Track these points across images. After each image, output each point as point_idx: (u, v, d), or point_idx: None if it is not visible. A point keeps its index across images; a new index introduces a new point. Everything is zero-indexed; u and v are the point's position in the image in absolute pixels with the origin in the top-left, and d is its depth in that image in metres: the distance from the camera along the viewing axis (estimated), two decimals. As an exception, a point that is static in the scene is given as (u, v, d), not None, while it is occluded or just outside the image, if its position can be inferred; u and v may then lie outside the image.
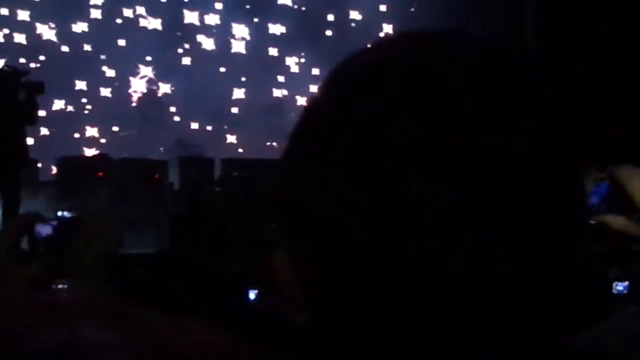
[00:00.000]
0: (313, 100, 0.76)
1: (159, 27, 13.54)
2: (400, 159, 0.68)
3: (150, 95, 13.28)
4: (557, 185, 0.71)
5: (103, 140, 12.94)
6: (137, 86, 13.36)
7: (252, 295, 3.90)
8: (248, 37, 13.97)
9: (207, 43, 13.83)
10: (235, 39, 13.92)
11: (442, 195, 0.67)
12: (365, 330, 0.71)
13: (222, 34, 13.85)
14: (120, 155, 11.02)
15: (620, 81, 9.04)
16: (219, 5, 13.79)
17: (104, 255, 1.51)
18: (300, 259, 0.74)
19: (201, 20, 13.78)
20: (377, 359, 0.71)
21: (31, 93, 8.37)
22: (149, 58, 13.35)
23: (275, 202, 0.76)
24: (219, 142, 13.18)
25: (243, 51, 13.95)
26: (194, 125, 13.44)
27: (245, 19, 13.87)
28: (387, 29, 14.10)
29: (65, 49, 12.99)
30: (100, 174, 9.83)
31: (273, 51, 14.01)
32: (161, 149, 12.37)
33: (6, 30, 12.68)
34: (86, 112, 13.04)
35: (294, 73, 14.08)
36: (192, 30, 13.76)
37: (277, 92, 14.02)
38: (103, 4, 13.22)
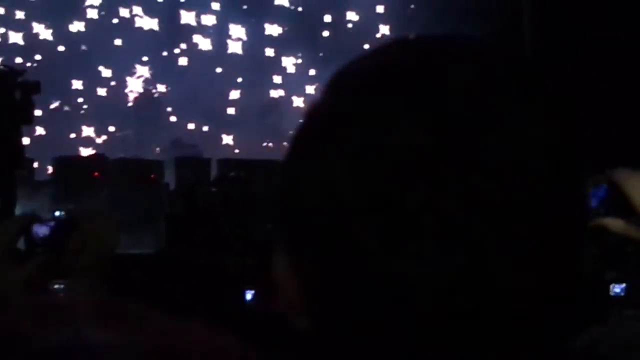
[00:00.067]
0: (314, 103, 0.77)
1: (156, 27, 13.53)
2: (402, 164, 0.68)
3: (146, 95, 13.28)
4: (559, 188, 0.71)
5: (99, 140, 12.94)
6: (134, 86, 13.36)
7: (248, 295, 3.90)
8: (245, 38, 13.96)
9: (204, 43, 13.83)
10: (231, 39, 13.92)
11: (443, 199, 0.67)
12: (366, 333, 0.71)
13: (219, 35, 13.85)
14: (116, 155, 11.03)
15: (619, 82, 9.05)
16: (215, 6, 13.79)
17: (100, 256, 1.51)
18: (300, 262, 0.74)
19: (198, 20, 13.78)
20: (377, 362, 0.71)
21: (27, 93, 8.35)
22: (145, 58, 13.35)
23: (276, 204, 0.76)
24: (215, 143, 13.18)
25: (240, 52, 13.94)
26: (190, 126, 13.44)
27: (242, 20, 13.86)
28: (384, 29, 14.10)
29: (61, 48, 12.99)
30: (96, 174, 9.83)
31: (270, 52, 14.01)
32: (157, 149, 12.37)
33: (2, 30, 12.67)
34: (82, 111, 13.04)
35: (291, 74, 14.08)
36: (189, 30, 13.75)
37: (274, 93, 14.02)
38: (99, 3, 13.22)
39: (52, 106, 12.65)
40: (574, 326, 0.81)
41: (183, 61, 13.66)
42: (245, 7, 13.80)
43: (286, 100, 13.79)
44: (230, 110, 13.81)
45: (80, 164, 10.51)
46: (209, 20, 13.82)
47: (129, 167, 10.18)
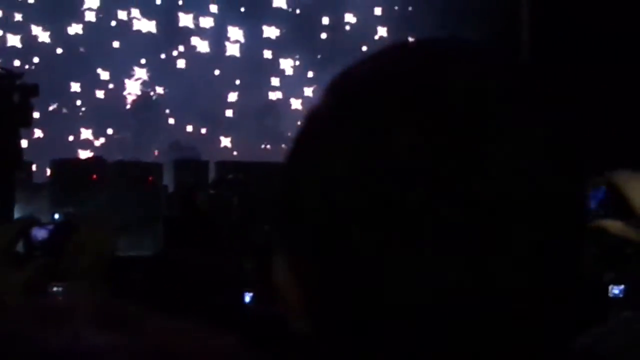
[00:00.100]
0: (315, 107, 0.77)
1: (154, 30, 13.52)
2: (401, 167, 0.68)
3: (144, 97, 13.27)
4: (559, 189, 0.71)
5: (97, 143, 12.93)
6: (132, 88, 13.35)
7: (247, 297, 3.91)
8: (242, 40, 13.96)
9: (202, 46, 13.82)
10: (229, 41, 13.91)
11: (442, 200, 0.68)
12: (366, 334, 0.71)
13: (217, 37, 13.84)
14: (115, 157, 11.02)
15: (618, 83, 9.05)
16: (213, 8, 13.79)
17: (99, 258, 1.51)
18: (300, 263, 0.74)
19: (196, 22, 13.77)
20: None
21: (26, 95, 8.35)
22: (143, 60, 13.35)
23: (276, 205, 0.76)
24: (214, 145, 13.18)
25: (237, 54, 13.94)
26: (189, 128, 13.43)
27: (240, 22, 13.86)
28: (382, 31, 14.10)
29: (59, 51, 12.98)
30: (95, 176, 9.83)
31: (267, 54, 14.00)
32: (155, 151, 12.37)
33: (0, 32, 12.66)
34: (80, 114, 13.04)
35: (289, 76, 14.07)
36: (187, 32, 13.75)
37: (272, 95, 14.02)
38: (97, 6, 13.22)
39: (51, 109, 12.65)
40: (574, 326, 0.81)
41: (181, 63, 13.66)
42: (243, 9, 13.79)
43: (284, 103, 13.79)
44: (229, 113, 13.80)
45: (78, 167, 10.50)
46: (206, 22, 13.82)
47: (128, 169, 10.18)
